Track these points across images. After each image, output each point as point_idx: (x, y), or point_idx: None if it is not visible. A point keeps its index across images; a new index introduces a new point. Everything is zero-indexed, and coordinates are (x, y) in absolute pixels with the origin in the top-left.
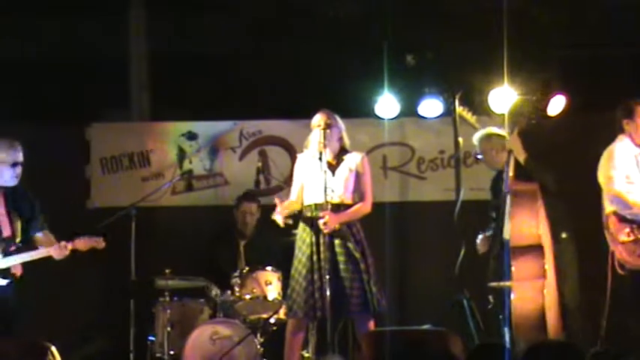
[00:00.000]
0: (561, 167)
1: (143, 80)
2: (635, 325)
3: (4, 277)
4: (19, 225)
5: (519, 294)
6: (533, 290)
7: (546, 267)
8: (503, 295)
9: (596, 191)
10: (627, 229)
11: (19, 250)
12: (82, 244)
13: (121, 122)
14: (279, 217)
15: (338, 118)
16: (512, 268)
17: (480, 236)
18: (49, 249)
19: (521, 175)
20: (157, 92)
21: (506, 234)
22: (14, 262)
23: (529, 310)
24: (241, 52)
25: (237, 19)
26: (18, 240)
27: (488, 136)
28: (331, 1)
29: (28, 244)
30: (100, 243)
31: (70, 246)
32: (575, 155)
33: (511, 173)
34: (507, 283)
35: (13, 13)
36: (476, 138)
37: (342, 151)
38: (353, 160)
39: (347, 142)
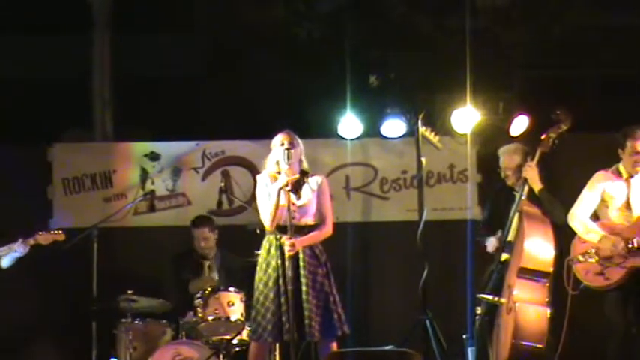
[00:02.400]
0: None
1: (106, 101)
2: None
3: None
4: None
5: (523, 316)
6: (537, 315)
7: (547, 299)
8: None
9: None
10: (583, 250)
11: None
12: (44, 238)
13: (83, 143)
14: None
15: (299, 140)
16: (515, 289)
17: (492, 238)
18: (11, 245)
19: (533, 201)
20: (120, 113)
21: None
22: None
23: (530, 335)
24: (204, 73)
25: (200, 40)
26: None
27: (513, 152)
28: (294, 21)
29: None
30: (60, 235)
31: (31, 241)
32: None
33: (524, 197)
34: (502, 300)
35: None
36: (500, 152)
37: (302, 174)
38: (314, 182)
39: (305, 164)
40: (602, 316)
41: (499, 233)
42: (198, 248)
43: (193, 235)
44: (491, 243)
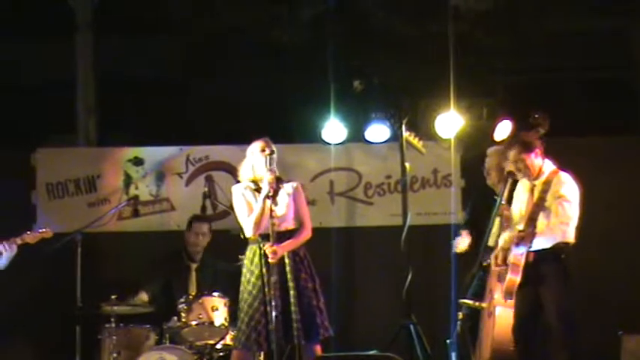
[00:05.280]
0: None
1: (90, 105)
2: None
3: None
4: None
5: (503, 320)
6: None
7: None
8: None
9: None
10: None
11: None
12: (31, 237)
13: (67, 147)
14: None
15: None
16: (496, 294)
17: (457, 238)
18: None
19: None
20: (104, 117)
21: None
22: None
23: (511, 339)
24: (188, 78)
25: (184, 46)
26: None
27: (495, 152)
28: (278, 26)
29: None
30: (47, 233)
31: (19, 240)
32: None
33: (504, 202)
34: (483, 305)
35: None
36: (487, 151)
37: (277, 180)
38: (289, 186)
39: (277, 171)
40: None
41: (463, 233)
42: (191, 245)
43: (191, 230)
44: (457, 243)
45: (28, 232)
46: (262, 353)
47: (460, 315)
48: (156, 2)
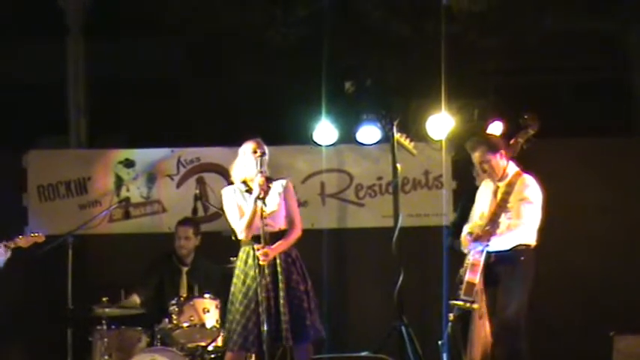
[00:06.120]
0: None
1: (81, 107)
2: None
3: None
4: None
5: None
6: None
7: None
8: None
9: None
10: None
11: None
12: (24, 241)
13: (59, 149)
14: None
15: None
16: (484, 295)
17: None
18: None
19: None
20: (95, 119)
21: None
22: None
23: None
24: (179, 79)
25: (176, 46)
26: None
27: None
28: (269, 27)
29: None
30: (40, 237)
31: (12, 244)
32: None
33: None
34: (474, 306)
35: None
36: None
37: (267, 180)
38: (279, 185)
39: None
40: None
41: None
42: (177, 248)
43: (176, 233)
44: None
45: (20, 237)
46: (253, 355)
47: (451, 316)
48: (149, 4)
